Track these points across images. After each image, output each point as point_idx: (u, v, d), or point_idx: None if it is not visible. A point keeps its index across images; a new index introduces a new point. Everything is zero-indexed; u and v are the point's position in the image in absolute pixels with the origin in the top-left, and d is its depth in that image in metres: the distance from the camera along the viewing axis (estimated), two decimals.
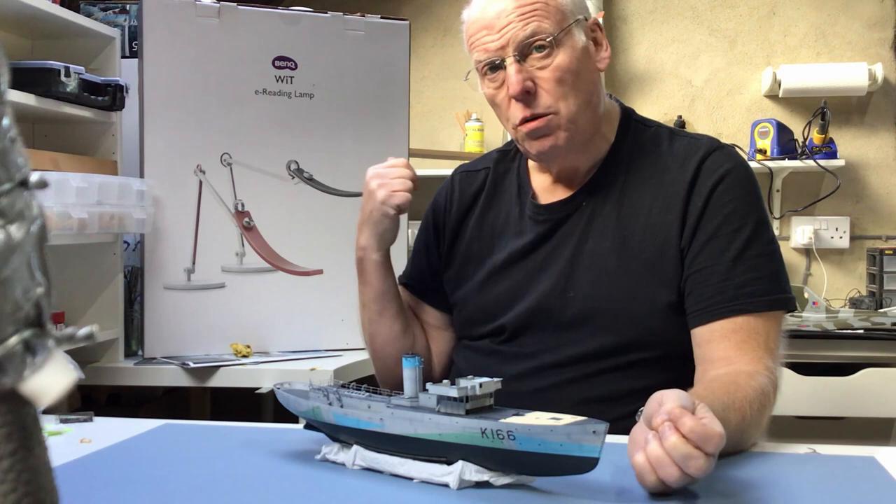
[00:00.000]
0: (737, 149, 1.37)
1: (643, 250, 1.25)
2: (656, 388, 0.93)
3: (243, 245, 2.11)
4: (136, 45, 2.21)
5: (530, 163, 1.39)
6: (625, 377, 1.24)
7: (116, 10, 2.45)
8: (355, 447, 1.00)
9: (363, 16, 2.21)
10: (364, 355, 1.53)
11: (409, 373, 0.95)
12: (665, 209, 1.26)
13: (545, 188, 1.37)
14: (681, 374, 1.19)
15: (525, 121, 1.25)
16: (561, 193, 1.34)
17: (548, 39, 1.22)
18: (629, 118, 1.36)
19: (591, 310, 1.26)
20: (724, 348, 1.18)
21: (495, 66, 1.25)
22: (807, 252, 3.11)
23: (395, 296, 1.42)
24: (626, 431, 0.94)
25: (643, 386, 1.20)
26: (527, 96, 1.23)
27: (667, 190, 1.27)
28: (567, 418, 0.86)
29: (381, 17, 2.24)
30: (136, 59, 2.06)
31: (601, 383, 1.25)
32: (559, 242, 1.31)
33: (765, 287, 1.20)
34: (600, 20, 1.41)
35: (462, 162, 1.59)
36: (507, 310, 1.33)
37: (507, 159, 1.44)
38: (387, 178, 1.34)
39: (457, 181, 1.48)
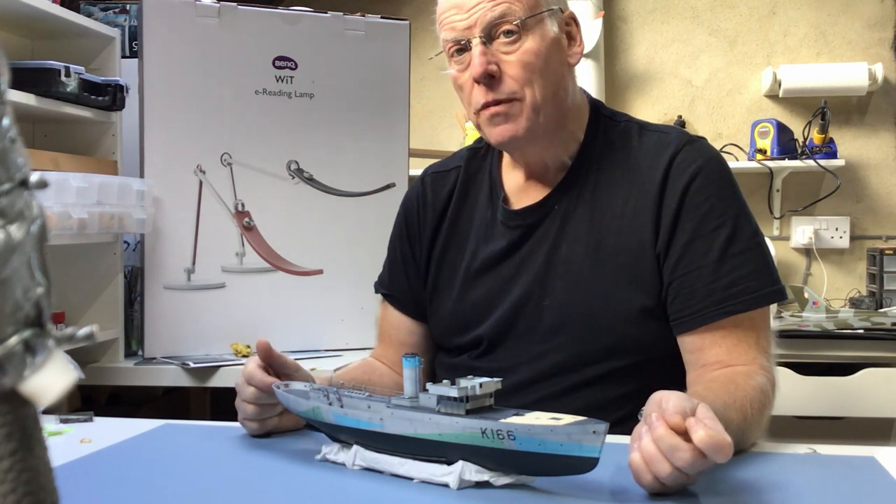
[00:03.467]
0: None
1: (617, 254, 1.22)
2: (638, 394, 0.92)
3: (243, 245, 2.11)
4: (136, 45, 2.21)
5: (503, 161, 1.36)
6: (606, 386, 1.21)
7: (116, 10, 2.46)
8: (355, 447, 1.00)
9: (363, 16, 2.21)
10: (364, 355, 1.52)
11: (409, 373, 0.95)
12: (638, 211, 1.22)
13: (517, 189, 1.33)
14: (661, 377, 1.14)
15: (486, 105, 1.22)
16: (533, 196, 1.30)
17: (515, 23, 1.19)
18: (598, 113, 1.32)
19: (566, 318, 1.23)
20: (717, 353, 1.16)
21: (462, 48, 1.23)
22: (807, 252, 3.11)
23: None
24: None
25: (624, 393, 1.19)
26: (490, 80, 1.20)
27: (638, 190, 1.23)
28: (567, 418, 0.86)
29: (381, 17, 2.24)
30: (136, 59, 2.07)
31: (583, 395, 1.22)
32: (532, 248, 1.28)
33: (753, 283, 1.17)
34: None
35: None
36: (483, 319, 1.29)
37: (479, 157, 1.39)
38: (239, 399, 1.17)
39: (428, 183, 1.41)
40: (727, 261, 1.18)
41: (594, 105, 1.33)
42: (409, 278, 1.41)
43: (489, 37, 1.20)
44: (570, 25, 1.28)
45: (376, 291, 1.47)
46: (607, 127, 1.31)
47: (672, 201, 1.21)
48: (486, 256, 1.31)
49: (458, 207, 1.37)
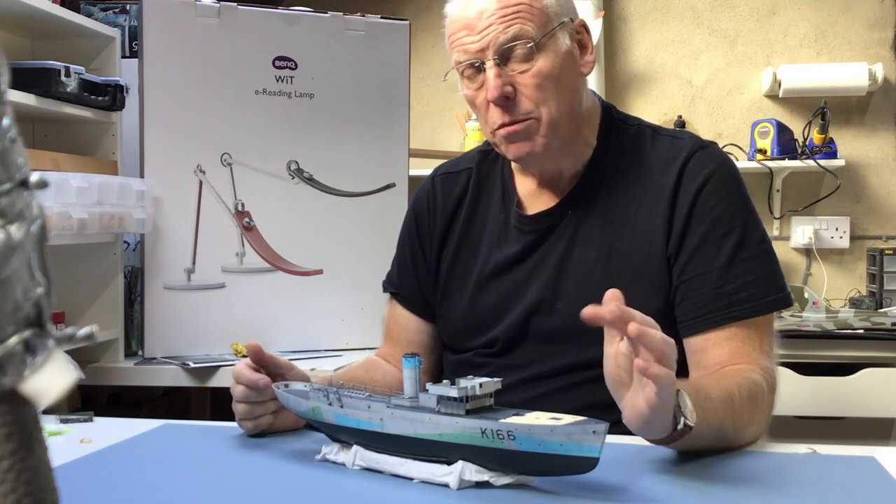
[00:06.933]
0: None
1: (629, 258, 1.23)
2: None
3: (243, 245, 2.11)
4: (136, 45, 2.21)
5: (514, 165, 1.35)
6: None
7: (116, 10, 2.45)
8: (355, 447, 1.00)
9: (363, 16, 2.21)
10: (364, 355, 1.52)
11: (409, 373, 0.95)
12: (650, 215, 1.23)
13: (530, 194, 1.33)
14: None
15: (504, 126, 1.22)
16: (546, 201, 1.31)
17: (529, 45, 1.19)
18: (610, 117, 1.32)
19: (578, 320, 1.24)
20: (719, 354, 1.17)
21: (475, 68, 1.22)
22: (807, 252, 3.11)
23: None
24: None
25: None
26: (506, 101, 1.20)
27: (651, 195, 1.24)
28: (567, 418, 0.86)
29: (381, 17, 2.24)
30: (136, 59, 2.07)
31: (593, 391, 1.20)
32: (546, 253, 1.28)
33: (759, 290, 1.19)
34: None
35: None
36: (496, 323, 1.30)
37: (490, 159, 1.39)
38: (233, 401, 1.17)
39: (438, 184, 1.41)
40: (734, 267, 1.19)
41: (606, 108, 1.34)
42: (418, 277, 1.41)
43: (503, 58, 1.19)
44: (580, 34, 1.28)
45: (385, 290, 1.47)
46: (620, 130, 1.31)
47: (684, 205, 1.22)
48: (499, 260, 1.31)
49: (470, 210, 1.37)
